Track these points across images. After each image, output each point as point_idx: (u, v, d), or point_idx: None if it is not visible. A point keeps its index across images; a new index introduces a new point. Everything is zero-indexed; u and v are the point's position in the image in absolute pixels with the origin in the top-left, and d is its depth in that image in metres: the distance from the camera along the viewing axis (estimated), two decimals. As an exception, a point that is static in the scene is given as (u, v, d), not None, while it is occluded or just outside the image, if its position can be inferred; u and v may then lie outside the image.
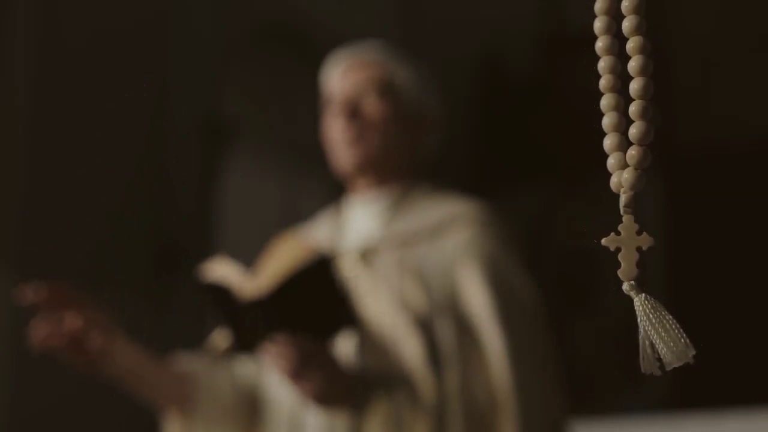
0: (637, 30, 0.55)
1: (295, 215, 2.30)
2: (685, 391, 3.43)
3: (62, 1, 2.88)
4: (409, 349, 1.53)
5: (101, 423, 2.57)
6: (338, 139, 1.66)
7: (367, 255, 1.64)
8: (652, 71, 0.54)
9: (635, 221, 0.58)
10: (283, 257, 1.50)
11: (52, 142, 2.81)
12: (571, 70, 3.78)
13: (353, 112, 1.65)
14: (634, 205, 0.57)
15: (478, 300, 1.55)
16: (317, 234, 1.71)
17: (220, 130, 3.33)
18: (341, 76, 1.68)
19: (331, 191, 1.88)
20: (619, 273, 0.58)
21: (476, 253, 1.59)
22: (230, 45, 3.42)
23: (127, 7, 3.04)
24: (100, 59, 2.91)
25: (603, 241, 0.58)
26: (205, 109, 3.29)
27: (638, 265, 0.58)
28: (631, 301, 0.60)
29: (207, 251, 2.60)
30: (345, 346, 1.57)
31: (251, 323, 1.51)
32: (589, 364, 3.66)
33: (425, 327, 1.55)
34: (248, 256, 1.64)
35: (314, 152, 1.73)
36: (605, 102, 0.56)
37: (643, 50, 0.55)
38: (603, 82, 0.56)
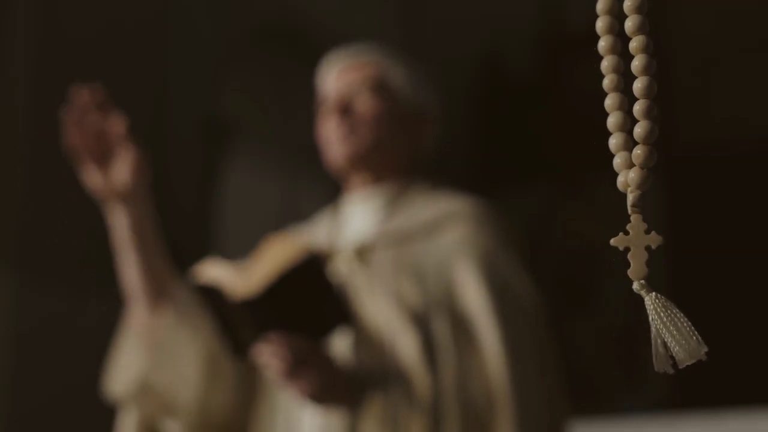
0: (640, 29, 0.55)
1: (295, 215, 2.30)
2: (685, 391, 3.43)
3: (62, 1, 2.88)
4: (405, 346, 1.53)
5: (101, 421, 2.57)
6: (331, 137, 1.67)
7: (362, 252, 1.64)
8: (656, 71, 0.54)
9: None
10: (275, 257, 1.51)
11: (52, 142, 2.81)
12: (571, 69, 3.78)
13: (345, 110, 1.66)
14: (641, 204, 0.57)
15: (474, 297, 1.55)
16: (315, 233, 1.72)
17: (220, 130, 3.33)
18: (335, 78, 1.69)
19: (331, 191, 1.88)
20: (629, 272, 0.58)
21: (472, 250, 1.59)
22: (230, 45, 3.42)
23: (127, 7, 3.03)
24: (100, 59, 2.91)
25: (612, 241, 0.58)
26: (205, 109, 3.29)
27: (648, 264, 0.58)
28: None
29: (207, 251, 2.60)
30: (340, 344, 1.57)
31: (244, 323, 1.51)
32: (589, 364, 3.66)
33: (421, 324, 1.54)
34: (248, 257, 1.64)
35: (314, 152, 1.73)
36: (609, 101, 0.56)
37: (646, 49, 0.55)
38: (606, 82, 0.56)
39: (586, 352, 3.71)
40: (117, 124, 1.58)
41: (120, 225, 1.61)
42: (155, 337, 1.60)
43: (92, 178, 1.60)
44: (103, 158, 1.59)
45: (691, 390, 3.37)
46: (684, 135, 3.77)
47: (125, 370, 1.61)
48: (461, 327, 1.55)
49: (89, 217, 2.87)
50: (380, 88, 1.67)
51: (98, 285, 2.65)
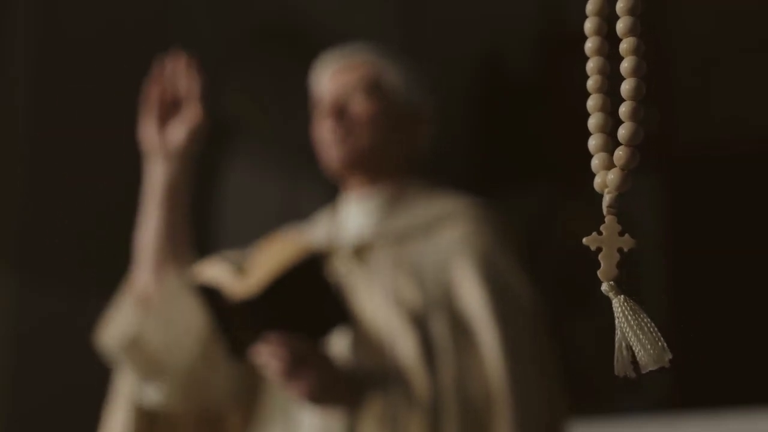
0: (631, 31, 0.55)
1: (296, 215, 2.30)
2: (685, 391, 3.43)
3: (62, 1, 2.88)
4: (404, 346, 1.53)
5: (101, 421, 2.57)
6: (327, 139, 1.67)
7: (361, 252, 1.64)
8: (645, 72, 0.54)
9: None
10: (274, 257, 1.51)
11: (52, 142, 2.81)
12: (571, 70, 3.77)
13: (341, 112, 1.66)
14: (618, 206, 0.57)
15: (472, 297, 1.55)
16: (314, 233, 1.72)
17: (220, 130, 3.33)
18: (330, 78, 1.69)
19: (331, 191, 1.88)
20: (599, 273, 0.58)
21: (471, 249, 1.59)
22: (230, 45, 3.42)
23: (127, 7, 3.04)
24: (100, 59, 2.91)
25: (584, 240, 0.58)
26: (205, 109, 3.29)
27: (619, 266, 0.58)
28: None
29: (207, 251, 2.60)
30: (339, 344, 1.57)
31: (243, 324, 1.51)
32: (589, 364, 3.66)
33: (420, 324, 1.55)
34: (248, 251, 1.64)
35: (314, 152, 1.73)
36: (592, 102, 0.56)
37: (636, 51, 0.55)
38: (591, 83, 0.56)
39: (586, 352, 3.71)
40: (194, 83, 1.65)
41: (156, 181, 1.63)
42: (156, 301, 1.60)
43: (149, 129, 1.65)
44: (167, 115, 1.65)
45: (691, 390, 3.37)
46: (684, 135, 3.76)
47: (120, 324, 1.61)
48: (460, 327, 1.55)
49: (89, 217, 2.87)
50: (375, 88, 1.68)
51: (98, 285, 2.65)
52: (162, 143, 1.64)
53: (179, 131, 1.63)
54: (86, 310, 2.73)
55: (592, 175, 0.58)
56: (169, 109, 1.66)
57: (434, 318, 1.55)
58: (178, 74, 1.66)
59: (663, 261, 3.63)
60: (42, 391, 2.68)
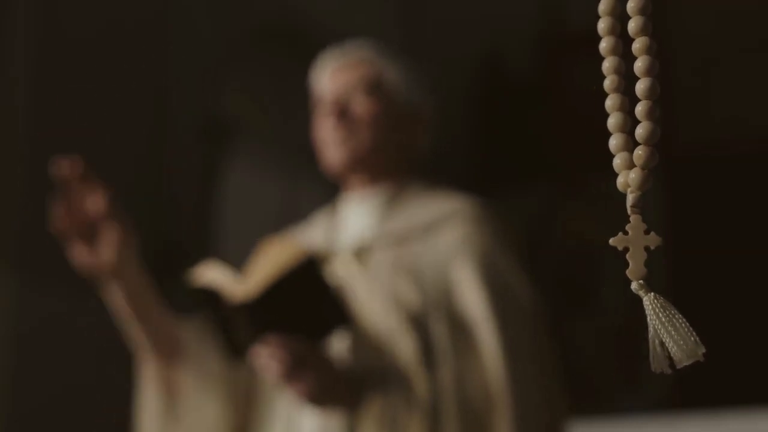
0: (643, 31, 0.55)
1: (295, 215, 2.30)
2: (685, 391, 3.43)
3: (62, 1, 2.88)
4: (403, 347, 1.53)
5: (101, 421, 2.57)
6: (328, 139, 1.67)
7: (361, 254, 1.64)
8: (658, 72, 0.55)
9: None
10: (273, 259, 1.51)
11: (52, 142, 2.81)
12: (571, 70, 3.78)
13: (342, 112, 1.66)
14: (641, 204, 0.57)
15: (472, 297, 1.55)
16: (313, 233, 1.72)
17: (220, 130, 3.33)
18: (330, 77, 1.69)
19: (331, 191, 1.88)
20: (628, 273, 0.58)
21: (471, 250, 1.59)
22: (230, 45, 3.42)
23: (127, 7, 3.03)
24: (100, 59, 2.91)
25: (611, 240, 0.58)
26: (205, 109, 3.29)
27: (647, 264, 0.58)
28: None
29: (207, 252, 2.59)
30: (339, 346, 1.57)
31: (242, 326, 1.51)
32: (589, 364, 3.66)
33: (419, 325, 1.54)
34: (248, 257, 1.64)
35: (314, 152, 1.73)
36: (610, 102, 0.57)
37: (648, 51, 0.55)
38: (607, 83, 0.56)
39: (586, 352, 3.71)
40: (97, 202, 1.55)
41: (116, 299, 1.61)
42: (179, 397, 1.63)
43: (80, 257, 1.58)
44: (89, 234, 1.57)
45: (691, 390, 3.37)
46: (684, 135, 3.76)
47: (154, 424, 1.63)
48: (460, 327, 1.55)
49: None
50: (375, 88, 1.67)
51: (98, 285, 2.65)
52: (98, 268, 1.57)
53: (108, 252, 1.56)
54: (86, 310, 2.74)
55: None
56: (86, 227, 1.56)
57: (434, 319, 1.55)
58: (72, 186, 1.55)
59: (663, 261, 3.62)
60: (42, 391, 2.68)
